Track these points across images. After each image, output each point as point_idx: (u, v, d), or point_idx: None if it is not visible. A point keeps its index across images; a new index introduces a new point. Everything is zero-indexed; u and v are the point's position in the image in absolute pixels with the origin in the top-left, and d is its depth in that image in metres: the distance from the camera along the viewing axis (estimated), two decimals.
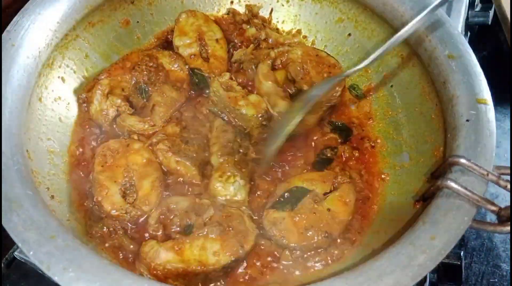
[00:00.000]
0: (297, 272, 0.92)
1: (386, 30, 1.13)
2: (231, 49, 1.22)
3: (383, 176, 1.05)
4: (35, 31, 0.98)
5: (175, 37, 1.19)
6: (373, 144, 1.10)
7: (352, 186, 1.01)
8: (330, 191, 1.00)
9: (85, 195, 0.98)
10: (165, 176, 1.02)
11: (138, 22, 1.21)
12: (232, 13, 1.27)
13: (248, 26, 1.25)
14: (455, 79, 0.95)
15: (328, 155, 1.07)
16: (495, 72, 1.07)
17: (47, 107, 1.03)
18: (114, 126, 1.08)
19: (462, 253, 0.99)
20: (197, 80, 1.15)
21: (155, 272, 0.86)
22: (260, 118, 1.06)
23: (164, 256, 0.86)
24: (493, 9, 1.41)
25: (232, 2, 1.29)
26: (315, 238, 0.93)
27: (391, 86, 1.12)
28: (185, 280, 0.87)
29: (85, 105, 1.09)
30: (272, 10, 1.28)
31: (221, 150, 1.02)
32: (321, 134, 1.11)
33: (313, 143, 1.10)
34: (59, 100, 1.06)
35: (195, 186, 1.01)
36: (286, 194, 0.98)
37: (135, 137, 1.06)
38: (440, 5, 0.97)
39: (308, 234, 0.93)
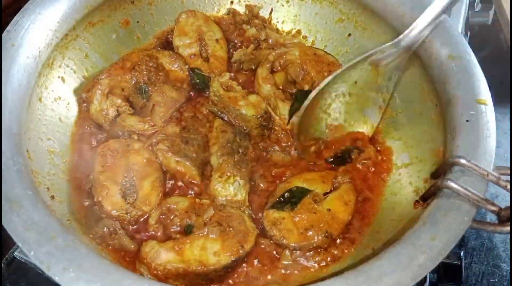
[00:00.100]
0: (296, 272, 0.92)
1: (386, 30, 1.13)
2: (231, 49, 1.22)
3: (383, 176, 1.05)
4: (35, 31, 0.97)
5: (175, 37, 1.19)
6: (379, 148, 1.09)
7: (352, 186, 1.01)
8: (330, 191, 1.00)
9: (85, 195, 0.98)
10: (165, 176, 1.02)
11: (138, 22, 1.21)
12: (232, 13, 1.27)
13: (248, 26, 1.25)
14: (455, 80, 0.95)
15: (352, 156, 1.07)
16: (495, 72, 1.07)
17: (47, 107, 1.03)
18: (114, 126, 1.08)
19: (462, 253, 0.99)
20: (197, 80, 1.15)
21: (155, 272, 0.86)
22: (260, 119, 1.06)
23: (164, 256, 0.86)
24: (493, 9, 1.42)
25: (232, 2, 1.29)
26: (315, 238, 0.93)
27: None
28: (186, 280, 0.87)
29: (85, 105, 1.08)
30: (272, 10, 1.28)
31: (221, 150, 1.02)
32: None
33: None
34: (59, 100, 1.06)
35: (195, 186, 1.01)
36: (286, 194, 0.98)
37: (135, 137, 1.06)
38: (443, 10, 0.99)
39: (308, 234, 0.93)
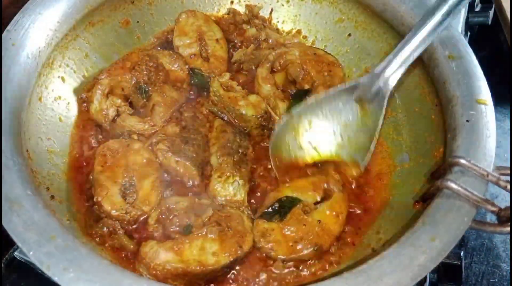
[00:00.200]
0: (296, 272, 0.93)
1: (386, 30, 1.13)
2: (231, 49, 1.22)
3: (382, 176, 1.05)
4: (35, 31, 0.98)
5: (175, 37, 1.19)
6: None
7: (345, 196, 1.00)
8: (321, 200, 0.99)
9: (85, 195, 0.98)
10: (165, 176, 1.02)
11: (138, 22, 1.21)
12: (232, 13, 1.27)
13: (248, 26, 1.25)
14: (455, 80, 0.95)
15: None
16: (495, 72, 1.07)
17: (47, 107, 1.03)
18: (114, 126, 1.08)
19: (462, 253, 0.99)
20: (197, 80, 1.15)
21: (154, 272, 0.86)
22: (260, 119, 1.06)
23: (163, 256, 0.86)
24: (493, 9, 1.42)
25: (232, 2, 1.29)
26: (304, 251, 0.91)
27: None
28: (185, 280, 0.87)
29: (85, 105, 1.09)
30: (272, 10, 1.28)
31: (221, 150, 1.02)
32: None
33: None
34: (59, 100, 1.06)
35: (194, 186, 1.01)
36: (275, 204, 0.97)
37: (135, 137, 1.06)
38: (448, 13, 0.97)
39: (298, 247, 0.91)
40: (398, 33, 1.09)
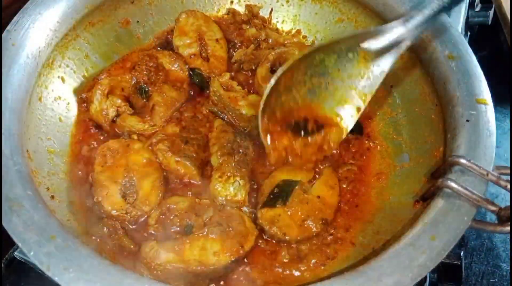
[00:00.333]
0: (296, 273, 0.92)
1: None
2: (231, 49, 1.22)
3: (382, 176, 1.05)
4: (35, 31, 0.98)
5: (175, 37, 1.19)
6: (372, 144, 1.10)
7: (332, 168, 1.04)
8: (314, 178, 1.02)
9: (85, 195, 0.98)
10: (165, 176, 1.02)
11: (138, 22, 1.21)
12: (232, 13, 1.27)
13: (248, 26, 1.25)
14: (455, 80, 0.95)
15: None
16: (495, 72, 1.07)
17: (47, 107, 1.03)
18: (114, 126, 1.08)
19: (462, 253, 0.99)
20: (197, 80, 1.15)
21: (155, 272, 0.86)
22: None
23: (164, 256, 0.86)
24: (493, 9, 1.42)
25: (232, 2, 1.29)
26: (313, 228, 0.95)
27: (391, 86, 1.12)
28: (185, 280, 0.87)
29: (85, 105, 1.09)
30: (272, 10, 1.28)
31: (221, 150, 1.02)
32: None
33: None
34: (59, 100, 1.06)
35: (195, 186, 1.01)
36: (275, 189, 0.98)
37: (135, 137, 1.06)
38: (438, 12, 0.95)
39: (307, 225, 0.95)
40: None
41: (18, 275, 1.02)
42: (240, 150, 1.03)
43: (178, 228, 0.93)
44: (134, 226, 0.96)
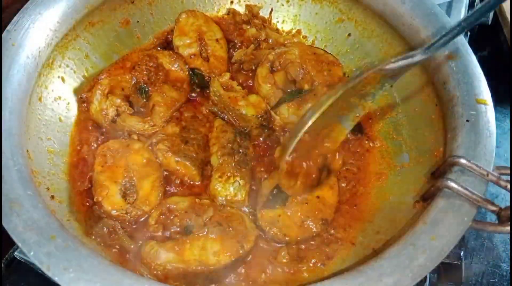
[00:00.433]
0: (296, 272, 0.93)
1: (386, 30, 1.13)
2: (231, 49, 1.22)
3: (382, 176, 1.05)
4: (35, 31, 0.97)
5: (175, 37, 1.19)
6: (371, 144, 1.10)
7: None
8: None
9: (85, 195, 0.98)
10: (165, 176, 1.02)
11: (138, 22, 1.21)
12: (232, 13, 1.27)
13: (248, 26, 1.25)
14: (455, 80, 0.95)
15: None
16: (495, 72, 1.07)
17: (47, 107, 1.03)
18: (114, 126, 1.08)
19: (462, 253, 0.99)
20: (197, 80, 1.15)
21: (155, 272, 0.86)
22: (260, 119, 1.06)
23: (164, 256, 0.86)
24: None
25: (232, 2, 1.29)
26: (313, 228, 0.95)
27: (391, 86, 1.12)
28: (186, 280, 0.87)
29: (85, 105, 1.08)
30: (272, 10, 1.28)
31: (221, 150, 1.02)
32: None
33: None
34: (59, 100, 1.06)
35: (195, 186, 1.01)
36: (274, 190, 0.98)
37: (135, 137, 1.06)
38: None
39: (307, 226, 0.95)
40: (398, 33, 1.09)
41: (18, 275, 1.02)
42: (240, 150, 1.03)
43: (178, 228, 0.93)
44: (134, 226, 0.96)
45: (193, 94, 1.15)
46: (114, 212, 0.94)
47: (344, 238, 0.97)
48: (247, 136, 1.07)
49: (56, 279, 0.69)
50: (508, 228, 0.74)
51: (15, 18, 0.97)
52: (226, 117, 1.09)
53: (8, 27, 0.96)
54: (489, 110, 0.90)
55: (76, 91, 1.10)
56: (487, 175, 0.79)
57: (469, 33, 1.41)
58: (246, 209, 0.99)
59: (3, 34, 0.95)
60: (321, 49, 1.22)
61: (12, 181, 0.78)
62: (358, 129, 1.11)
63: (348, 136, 1.10)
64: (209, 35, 1.20)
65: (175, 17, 1.21)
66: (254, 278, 0.91)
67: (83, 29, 1.10)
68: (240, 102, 1.07)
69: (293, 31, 1.28)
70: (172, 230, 0.93)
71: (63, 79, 1.07)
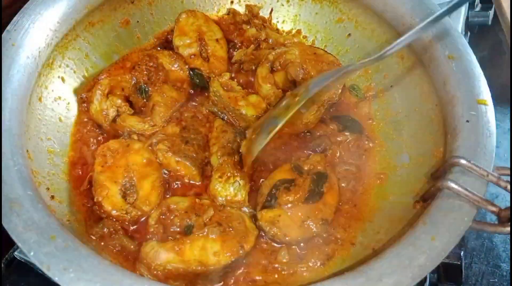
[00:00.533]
0: (296, 272, 0.93)
1: (386, 30, 1.13)
2: (231, 49, 1.22)
3: (382, 176, 1.05)
4: (35, 31, 0.97)
5: (175, 37, 1.19)
6: (371, 144, 1.10)
7: (333, 169, 1.03)
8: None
9: (85, 195, 0.98)
10: (165, 176, 1.02)
11: (138, 22, 1.21)
12: (232, 13, 1.27)
13: (248, 26, 1.25)
14: (455, 80, 0.95)
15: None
16: (495, 72, 1.07)
17: (47, 107, 1.03)
18: (114, 126, 1.08)
19: (462, 253, 0.99)
20: (197, 80, 1.15)
21: (155, 272, 0.86)
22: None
23: (164, 256, 0.86)
24: (493, 9, 1.42)
25: (232, 2, 1.29)
26: (314, 228, 0.94)
27: (391, 86, 1.12)
28: (186, 280, 0.87)
29: (85, 105, 1.08)
30: (272, 10, 1.28)
31: (221, 150, 1.02)
32: (325, 130, 1.10)
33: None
34: (59, 100, 1.06)
35: (195, 187, 1.01)
36: (272, 190, 0.98)
37: (135, 137, 1.06)
38: (445, 14, 0.94)
39: (307, 226, 0.94)
40: (398, 33, 1.09)
41: (18, 275, 1.02)
42: (240, 150, 1.03)
43: (178, 228, 0.93)
44: (134, 226, 0.96)
45: (193, 94, 1.15)
46: (114, 212, 0.94)
47: (344, 238, 0.97)
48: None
49: (56, 279, 0.69)
50: (508, 228, 0.74)
51: (15, 18, 0.97)
52: (226, 117, 1.09)
53: (8, 27, 0.96)
54: (489, 110, 0.90)
55: (76, 91, 1.10)
56: (487, 175, 0.79)
57: (469, 33, 1.41)
58: (246, 209, 0.98)
59: (3, 34, 0.95)
60: (321, 49, 1.22)
61: (12, 181, 0.78)
62: (358, 129, 1.11)
63: (348, 136, 1.10)
64: (209, 35, 1.20)
65: (175, 17, 1.21)
66: (254, 278, 0.91)
67: (83, 29, 1.10)
68: (240, 102, 1.07)
69: (293, 31, 1.28)
70: (172, 230, 0.93)
71: (63, 79, 1.07)
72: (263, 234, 0.96)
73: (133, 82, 1.10)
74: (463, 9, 1.32)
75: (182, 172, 1.01)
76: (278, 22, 1.29)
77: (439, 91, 0.98)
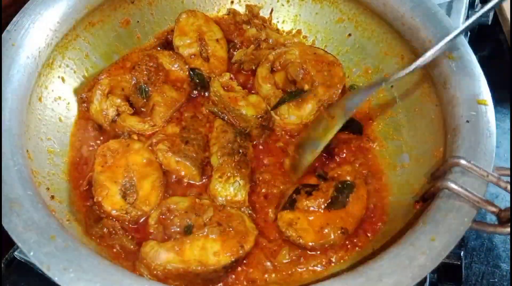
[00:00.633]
0: (296, 272, 0.93)
1: (386, 30, 1.13)
2: (231, 49, 1.22)
3: (382, 176, 1.05)
4: (35, 31, 0.97)
5: (175, 37, 1.19)
6: (372, 144, 1.10)
7: (363, 181, 1.01)
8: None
9: (85, 195, 0.98)
10: (165, 176, 1.02)
11: (138, 22, 1.21)
12: (232, 13, 1.27)
13: (248, 26, 1.25)
14: (455, 80, 0.95)
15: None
16: (495, 72, 1.07)
17: (47, 107, 1.03)
18: (114, 126, 1.08)
19: (462, 253, 0.99)
20: (197, 80, 1.15)
21: (155, 272, 0.86)
22: (260, 119, 1.06)
23: (164, 256, 0.86)
24: (493, 9, 1.42)
25: (232, 2, 1.29)
26: (332, 235, 0.93)
27: (391, 86, 1.12)
28: (185, 280, 0.87)
29: (85, 105, 1.08)
30: (272, 10, 1.28)
31: (221, 150, 1.02)
32: None
33: None
34: (59, 100, 1.06)
35: (195, 187, 1.01)
36: (294, 194, 0.98)
37: (135, 137, 1.06)
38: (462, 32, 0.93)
39: (324, 232, 0.93)
40: (398, 33, 1.09)
41: (18, 275, 1.02)
42: (240, 150, 1.03)
43: (178, 228, 0.93)
44: (134, 226, 0.96)
45: (193, 94, 1.15)
46: (114, 212, 0.94)
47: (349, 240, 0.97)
48: (247, 137, 1.07)
49: (56, 279, 0.69)
50: (508, 229, 0.74)
51: (15, 18, 0.97)
52: (226, 117, 1.09)
53: (8, 27, 0.96)
54: (489, 110, 0.90)
55: (76, 91, 1.10)
56: (487, 176, 0.79)
57: (469, 33, 1.41)
58: (246, 209, 0.98)
59: (3, 34, 0.95)
60: (321, 49, 1.22)
61: (12, 181, 0.78)
62: (358, 129, 1.11)
63: (348, 136, 1.10)
64: (209, 35, 1.20)
65: (175, 17, 1.21)
66: (254, 278, 0.91)
67: (83, 29, 1.10)
68: (240, 102, 1.07)
69: (293, 31, 1.28)
70: (172, 230, 0.93)
71: (63, 79, 1.07)
72: (264, 234, 0.96)
73: (133, 82, 1.10)
74: (463, 9, 1.32)
75: (182, 172, 1.01)
76: (278, 22, 1.29)
77: (439, 92, 0.98)
